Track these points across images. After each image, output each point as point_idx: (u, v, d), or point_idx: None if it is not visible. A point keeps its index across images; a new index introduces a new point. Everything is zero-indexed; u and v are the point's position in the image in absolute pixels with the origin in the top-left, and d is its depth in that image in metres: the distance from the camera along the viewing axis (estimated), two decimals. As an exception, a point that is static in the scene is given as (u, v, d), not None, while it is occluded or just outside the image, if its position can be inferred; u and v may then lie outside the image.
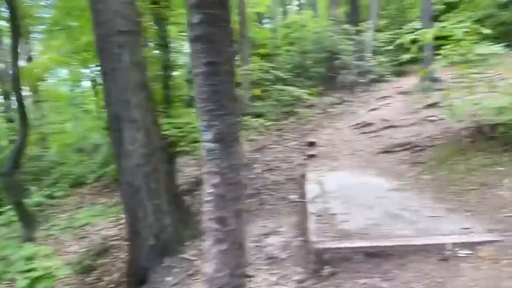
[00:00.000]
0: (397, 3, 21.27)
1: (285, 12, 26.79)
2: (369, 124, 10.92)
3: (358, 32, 15.55)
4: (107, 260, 8.03)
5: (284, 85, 14.23)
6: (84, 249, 8.87)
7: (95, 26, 5.30)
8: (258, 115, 13.88)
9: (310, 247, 4.31)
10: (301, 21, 20.92)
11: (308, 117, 13.04)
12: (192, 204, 8.83)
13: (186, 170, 11.28)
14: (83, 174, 12.06)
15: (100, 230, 10.01)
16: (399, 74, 16.25)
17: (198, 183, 10.13)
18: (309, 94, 13.87)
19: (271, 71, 13.63)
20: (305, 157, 9.41)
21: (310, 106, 14.11)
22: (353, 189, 6.22)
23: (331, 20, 15.59)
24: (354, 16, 17.77)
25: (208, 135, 2.16)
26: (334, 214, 5.07)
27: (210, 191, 2.26)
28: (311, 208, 5.42)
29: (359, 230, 4.48)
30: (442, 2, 19.82)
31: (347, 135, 10.62)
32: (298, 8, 25.20)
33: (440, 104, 7.70)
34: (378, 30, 17.52)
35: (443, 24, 6.81)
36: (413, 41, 7.23)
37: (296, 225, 5.95)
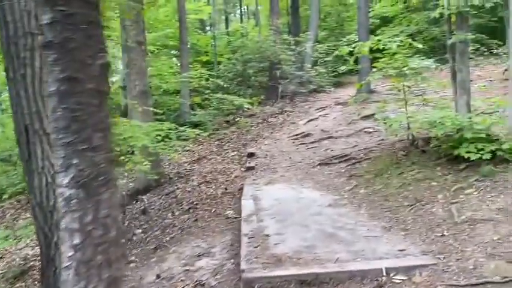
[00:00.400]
0: (336, 16, 21.65)
1: (227, 21, 26.53)
2: (308, 135, 10.79)
3: (298, 43, 15.54)
4: (24, 284, 7.20)
5: (225, 94, 13.85)
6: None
7: (1, 27, 4.63)
8: (197, 124, 13.41)
9: (241, 275, 3.92)
10: (243, 30, 20.78)
11: (249, 127, 12.73)
12: (122, 221, 8.18)
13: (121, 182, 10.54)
14: (3, 186, 10.95)
15: (21, 248, 9.06)
16: (338, 85, 16.42)
17: (131, 195, 9.48)
18: (250, 103, 13.60)
19: (212, 79, 13.19)
20: (244, 169, 9.05)
21: (251, 115, 13.84)
22: (289, 205, 5.92)
23: (272, 30, 15.44)
24: (295, 27, 17.80)
25: (64, 178, 1.58)
26: (267, 235, 4.72)
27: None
28: (244, 228, 5.04)
29: (293, 254, 4.15)
30: (378, 17, 20.42)
31: (286, 146, 10.41)
32: (240, 17, 24.99)
33: (376, 116, 7.63)
34: (318, 41, 17.66)
35: (379, 37, 6.73)
36: (351, 53, 7.12)
37: (230, 245, 5.53)
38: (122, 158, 7.05)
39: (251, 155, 9.82)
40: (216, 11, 24.32)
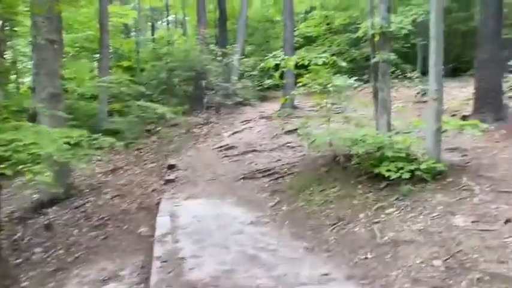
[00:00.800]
0: (263, 32, 21.82)
1: (153, 28, 25.63)
2: (232, 147, 10.45)
3: (225, 55, 15.24)
4: None
5: (147, 101, 13.09)
6: None
7: None
8: (116, 132, 12.50)
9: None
10: (170, 37, 20.08)
11: (171, 137, 12.11)
12: (21, 237, 7.19)
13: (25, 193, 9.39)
14: None
15: None
16: (263, 98, 16.36)
17: (34, 208, 8.45)
18: (174, 113, 12.96)
19: (132, 85, 12.40)
20: (163, 182, 8.44)
21: (174, 125, 13.21)
22: (209, 223, 5.48)
23: (199, 39, 15.02)
24: (222, 39, 17.50)
25: None
26: (183, 258, 4.23)
27: None
28: (157, 250, 4.51)
29: (210, 280, 3.71)
30: (302, 36, 20.86)
31: (210, 158, 9.97)
32: (167, 24, 24.24)
33: (299, 131, 7.49)
34: (245, 55, 17.53)
35: (303, 54, 6.61)
36: (277, 67, 6.92)
37: (142, 267, 4.95)
38: (21, 167, 6.14)
39: (172, 166, 9.24)
40: (142, 16, 23.39)
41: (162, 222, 5.61)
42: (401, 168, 5.22)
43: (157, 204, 7.02)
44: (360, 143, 5.74)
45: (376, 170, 5.54)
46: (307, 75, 6.92)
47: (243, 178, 7.82)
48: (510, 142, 6.53)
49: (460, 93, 12.57)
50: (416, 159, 5.46)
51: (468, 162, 5.99)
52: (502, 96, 8.13)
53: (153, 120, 13.05)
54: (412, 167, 5.20)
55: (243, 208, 6.22)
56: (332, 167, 6.77)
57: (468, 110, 9.11)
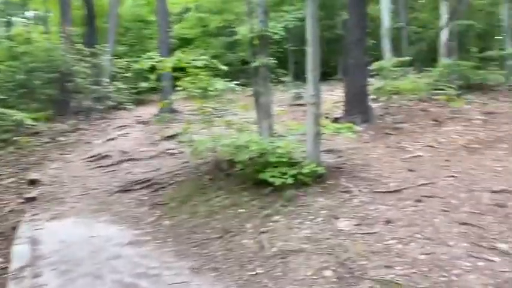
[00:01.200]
0: (136, 31, 20.71)
1: (9, 24, 22.66)
2: (106, 156, 9.52)
3: (94, 55, 13.97)
4: None
5: (2, 107, 11.30)
6: None
7: None
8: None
9: None
10: (28, 35, 17.86)
11: (32, 148, 10.61)
12: None
13: None
14: None
15: None
16: (139, 102, 15.46)
17: None
18: (35, 119, 11.40)
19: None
20: (22, 200, 7.22)
21: (36, 133, 11.64)
22: (79, 248, 4.73)
23: (64, 38, 13.51)
24: (90, 38, 16.08)
25: None
26: (45, 299, 3.51)
27: None
28: (11, 292, 3.69)
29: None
30: (178, 37, 20.28)
31: (79, 169, 8.91)
32: (26, 20, 21.54)
33: (180, 138, 7.06)
34: (117, 55, 16.34)
35: (181, 55, 6.19)
36: (152, 70, 6.38)
37: (-8, 312, 4.04)
38: None
39: (33, 182, 8.01)
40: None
41: (20, 251, 4.69)
42: (285, 173, 5.15)
43: (14, 228, 5.94)
44: (243, 149, 5.53)
45: (261, 176, 5.39)
46: (186, 79, 6.51)
47: (119, 191, 7.08)
48: (378, 142, 6.98)
49: (330, 96, 13.36)
50: (298, 163, 5.44)
51: (344, 164, 6.21)
52: (367, 99, 8.74)
53: (9, 128, 11.31)
54: (295, 172, 5.16)
55: (119, 226, 5.55)
56: (216, 175, 6.46)
57: (338, 112, 9.64)
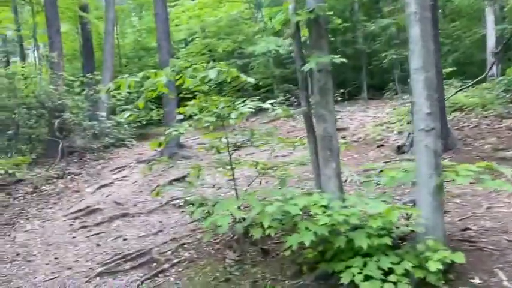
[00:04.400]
0: (137, 60, 18.74)
1: (8, 62, 20.79)
2: (95, 210, 7.20)
3: (89, 87, 11.82)
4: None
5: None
6: None
7: None
8: None
9: None
10: (24, 71, 15.85)
11: (8, 201, 8.29)
12: None
13: None
14: None
15: None
16: (142, 137, 13.21)
17: None
18: (15, 165, 9.15)
19: None
20: None
21: (18, 182, 9.35)
22: None
23: (53, 68, 11.39)
24: (88, 70, 13.98)
25: None
26: None
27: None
28: None
29: None
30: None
31: (59, 232, 6.56)
32: (20, 58, 19.58)
33: (185, 200, 4.69)
34: (116, 88, 14.21)
35: (181, 63, 3.83)
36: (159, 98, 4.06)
37: None
38: None
39: (-12, 258, 5.63)
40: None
41: None
42: (391, 270, 2.68)
43: None
44: (305, 226, 3.04)
45: (335, 268, 2.93)
46: (193, 102, 4.17)
47: (101, 273, 4.65)
48: None
49: (364, 117, 11.01)
50: (414, 246, 2.95)
51: (472, 232, 3.69)
52: (446, 118, 6.31)
53: (-14, 178, 9.05)
54: (409, 266, 2.69)
55: None
56: (245, 250, 4.03)
57: (394, 138, 7.23)
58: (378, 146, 7.33)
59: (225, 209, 3.21)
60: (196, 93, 4.76)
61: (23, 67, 12.02)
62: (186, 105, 4.27)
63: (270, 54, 14.99)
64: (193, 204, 3.92)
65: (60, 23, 12.38)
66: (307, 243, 2.76)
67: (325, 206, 2.89)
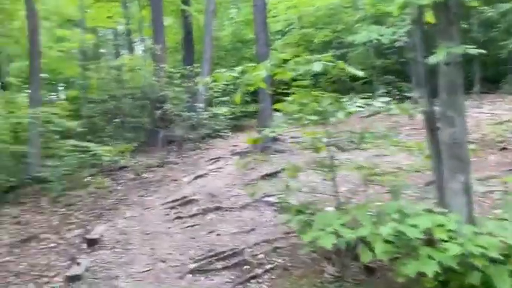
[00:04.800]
0: (235, 52, 18.92)
1: (118, 54, 22.52)
2: (191, 201, 7.27)
3: (189, 79, 12.13)
4: None
5: (87, 140, 9.84)
6: None
7: None
8: (44, 181, 9.21)
9: None
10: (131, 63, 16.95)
11: (113, 187, 8.83)
12: None
13: None
14: None
15: None
16: (237, 128, 13.29)
17: None
18: (120, 152, 9.72)
19: (57, 120, 9.14)
20: (64, 279, 5.01)
21: (121, 169, 9.95)
22: None
23: (156, 61, 11.90)
24: (188, 62, 14.46)
25: None
26: None
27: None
28: None
29: None
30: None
31: (156, 221, 6.72)
32: (129, 50, 21.00)
33: (281, 200, 4.37)
34: (214, 81, 14.48)
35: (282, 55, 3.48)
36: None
37: None
38: None
39: (93, 242, 5.94)
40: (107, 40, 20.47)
41: None
42: None
43: None
44: (427, 253, 2.47)
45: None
46: (290, 98, 3.83)
47: (193, 270, 4.57)
48: None
49: (479, 114, 9.75)
50: None
51: None
52: None
53: (95, 163, 9.76)
54: None
55: None
56: (344, 263, 3.61)
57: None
58: (500, 149, 6.32)
59: (327, 223, 2.82)
60: (293, 87, 4.38)
61: (130, 59, 12.75)
62: (282, 101, 3.95)
63: (370, 44, 14.06)
64: (289, 210, 3.59)
65: (163, 17, 12.88)
66: (429, 274, 2.27)
67: (452, 231, 2.36)
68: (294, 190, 4.01)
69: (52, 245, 6.56)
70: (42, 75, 11.38)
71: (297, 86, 3.95)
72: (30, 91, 10.91)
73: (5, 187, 9.89)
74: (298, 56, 3.45)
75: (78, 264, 5.12)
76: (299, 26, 18.22)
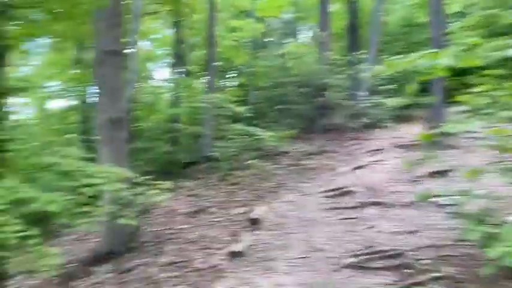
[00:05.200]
0: (405, 37, 17.59)
1: (283, 42, 23.34)
2: (348, 193, 7.12)
3: (353, 65, 11.79)
4: None
5: (252, 125, 10.50)
6: None
7: None
8: (214, 160, 10.22)
9: None
10: (296, 51, 17.38)
11: (273, 171, 9.22)
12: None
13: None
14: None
15: None
16: (400, 119, 12.40)
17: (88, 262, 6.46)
18: (281, 138, 10.07)
19: (227, 105, 9.91)
20: (227, 254, 5.41)
21: (281, 154, 10.33)
22: None
23: (320, 49, 11.91)
24: (352, 48, 14.05)
25: None
26: None
27: None
28: None
29: None
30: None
31: (313, 208, 6.77)
32: (295, 38, 21.49)
33: (456, 203, 3.87)
34: (387, 68, 13.72)
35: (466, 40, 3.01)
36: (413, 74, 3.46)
37: None
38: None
39: (254, 221, 6.31)
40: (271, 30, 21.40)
41: None
42: None
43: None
44: None
45: None
46: (475, 90, 3.31)
47: (350, 265, 4.44)
48: None
49: None
50: None
51: None
52: None
53: (258, 147, 10.35)
54: None
55: None
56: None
57: None
58: None
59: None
60: (477, 77, 3.78)
61: (295, 47, 13.04)
62: (454, 92, 3.44)
63: None
64: (467, 217, 3.14)
65: (329, 4, 12.76)
66: None
67: None
68: (473, 195, 3.49)
69: (219, 219, 7.25)
70: (217, 63, 12.47)
71: (484, 76, 3.39)
72: (206, 78, 12.15)
73: (184, 163, 11.36)
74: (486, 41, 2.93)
75: (241, 241, 5.52)
76: (481, 7, 15.90)
